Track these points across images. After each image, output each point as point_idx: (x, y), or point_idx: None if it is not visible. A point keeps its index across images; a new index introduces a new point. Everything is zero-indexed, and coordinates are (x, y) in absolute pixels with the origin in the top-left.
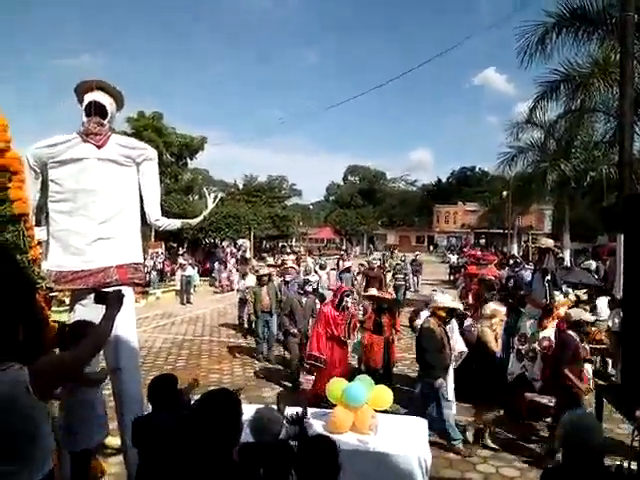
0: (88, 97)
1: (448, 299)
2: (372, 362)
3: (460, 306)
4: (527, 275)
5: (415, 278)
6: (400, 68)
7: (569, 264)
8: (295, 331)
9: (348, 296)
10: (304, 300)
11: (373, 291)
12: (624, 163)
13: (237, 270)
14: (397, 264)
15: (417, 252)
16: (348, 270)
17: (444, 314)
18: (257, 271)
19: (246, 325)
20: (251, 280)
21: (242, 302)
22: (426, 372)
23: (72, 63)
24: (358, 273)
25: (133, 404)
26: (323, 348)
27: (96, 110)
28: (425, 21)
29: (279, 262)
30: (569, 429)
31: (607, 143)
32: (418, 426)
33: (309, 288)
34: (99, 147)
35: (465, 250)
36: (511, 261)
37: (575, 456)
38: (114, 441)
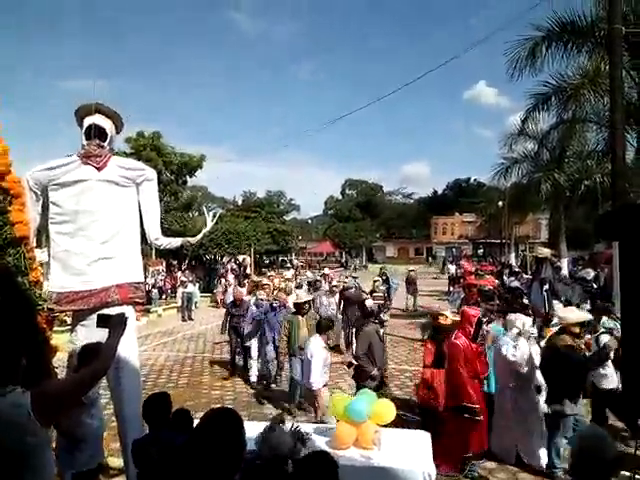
0: (88, 120)
1: (578, 313)
2: (433, 402)
3: (590, 316)
4: (515, 284)
5: (412, 298)
6: (395, 81)
7: (566, 273)
8: (375, 373)
9: (484, 323)
10: (382, 332)
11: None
12: (617, 172)
13: (237, 285)
14: (375, 281)
15: (411, 268)
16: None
17: (578, 330)
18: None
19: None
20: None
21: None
22: (567, 396)
23: (73, 85)
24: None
25: (134, 424)
26: (473, 393)
27: (96, 133)
28: (419, 34)
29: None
30: (583, 445)
31: (600, 152)
32: (422, 440)
33: (385, 317)
34: (99, 169)
35: (461, 263)
36: (506, 270)
37: (588, 472)
38: (117, 462)
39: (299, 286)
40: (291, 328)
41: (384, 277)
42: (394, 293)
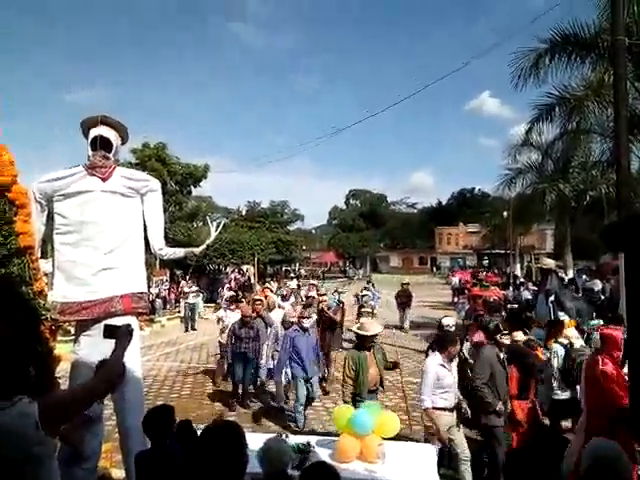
0: (93, 132)
1: None
2: (520, 436)
3: None
4: (525, 295)
5: (402, 313)
6: (401, 90)
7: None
8: (501, 407)
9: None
10: (502, 356)
11: (519, 335)
12: (622, 182)
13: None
14: (363, 295)
15: (406, 280)
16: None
17: None
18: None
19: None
20: (276, 315)
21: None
22: None
23: (79, 98)
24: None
25: (137, 435)
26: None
27: (101, 144)
28: (423, 42)
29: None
30: (596, 459)
31: (604, 163)
32: (426, 454)
33: (507, 339)
34: (104, 180)
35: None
36: (512, 281)
37: None
38: (119, 473)
39: (285, 298)
40: (358, 368)
41: (371, 286)
42: (377, 304)
